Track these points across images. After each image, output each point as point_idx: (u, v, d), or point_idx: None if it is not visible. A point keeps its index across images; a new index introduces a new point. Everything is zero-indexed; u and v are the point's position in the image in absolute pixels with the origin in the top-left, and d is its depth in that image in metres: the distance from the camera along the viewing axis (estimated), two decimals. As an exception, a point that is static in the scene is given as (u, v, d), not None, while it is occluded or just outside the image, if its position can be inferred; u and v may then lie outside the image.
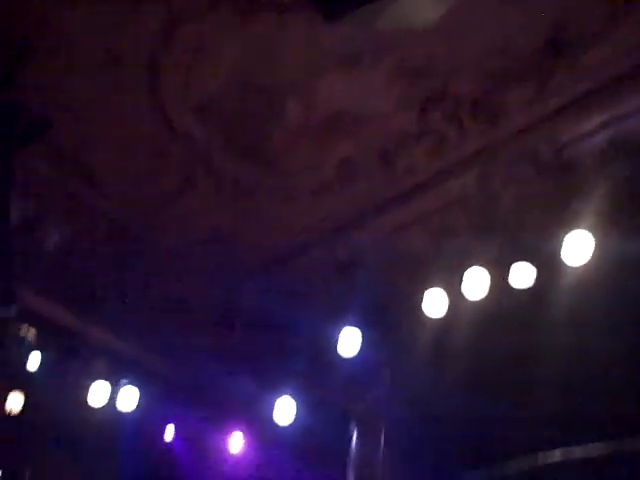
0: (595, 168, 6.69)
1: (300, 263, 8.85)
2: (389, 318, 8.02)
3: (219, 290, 9.63)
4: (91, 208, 9.20)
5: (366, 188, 8.17)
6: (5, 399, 9.71)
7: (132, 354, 9.69)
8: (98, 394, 9.16)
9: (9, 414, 9.73)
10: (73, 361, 9.33)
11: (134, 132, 8.21)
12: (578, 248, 6.62)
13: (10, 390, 9.77)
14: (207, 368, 9.41)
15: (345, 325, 7.90)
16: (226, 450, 9.52)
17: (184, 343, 9.45)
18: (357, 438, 8.26)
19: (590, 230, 6.56)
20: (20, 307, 9.20)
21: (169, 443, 9.77)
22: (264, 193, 8.41)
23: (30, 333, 9.32)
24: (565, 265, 6.64)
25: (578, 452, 6.16)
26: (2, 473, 9.18)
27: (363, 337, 7.83)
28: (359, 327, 7.89)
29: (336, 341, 7.90)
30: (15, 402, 9.79)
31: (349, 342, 7.86)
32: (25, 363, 9.13)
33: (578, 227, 6.60)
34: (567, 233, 6.65)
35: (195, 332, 9.52)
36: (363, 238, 8.28)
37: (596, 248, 6.54)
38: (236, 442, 9.45)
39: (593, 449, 6.06)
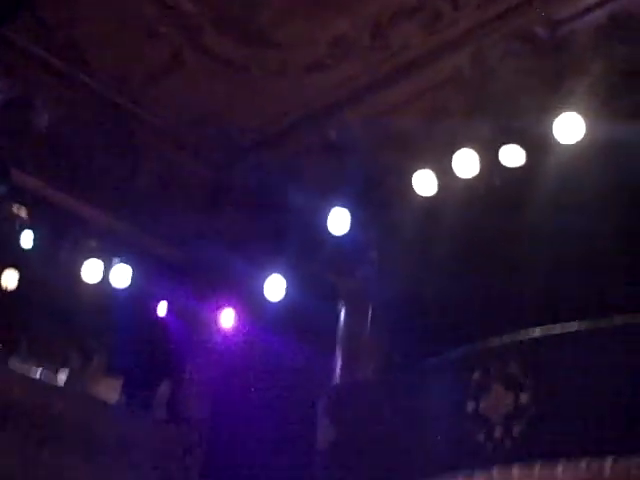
0: (591, 46, 6.58)
1: (291, 143, 8.82)
2: (379, 198, 8.05)
3: (210, 169, 9.65)
4: (80, 86, 9.10)
5: (359, 66, 8.06)
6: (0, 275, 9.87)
7: (124, 232, 9.72)
8: (91, 271, 9.27)
9: (4, 290, 9.88)
10: (66, 239, 9.40)
11: (123, 6, 8.03)
12: (569, 129, 6.59)
13: (4, 267, 9.90)
14: (199, 246, 9.49)
15: (335, 205, 7.92)
16: (217, 325, 9.71)
17: (176, 222, 9.49)
18: (345, 314, 8.44)
19: (582, 111, 6.51)
20: (12, 186, 9.24)
21: (161, 318, 9.95)
22: (255, 69, 8.30)
23: (22, 212, 9.35)
24: (556, 146, 6.62)
25: (557, 329, 6.30)
26: (2, 346, 9.39)
27: (352, 217, 7.88)
28: (348, 207, 7.92)
29: (326, 220, 7.94)
30: (10, 278, 9.93)
31: (339, 222, 7.91)
32: (18, 241, 9.19)
33: (570, 109, 6.54)
34: (559, 115, 6.59)
35: (187, 211, 9.56)
36: (354, 117, 8.23)
37: (587, 129, 6.51)
38: (227, 317, 9.63)
39: (570, 326, 6.19)
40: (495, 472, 6.03)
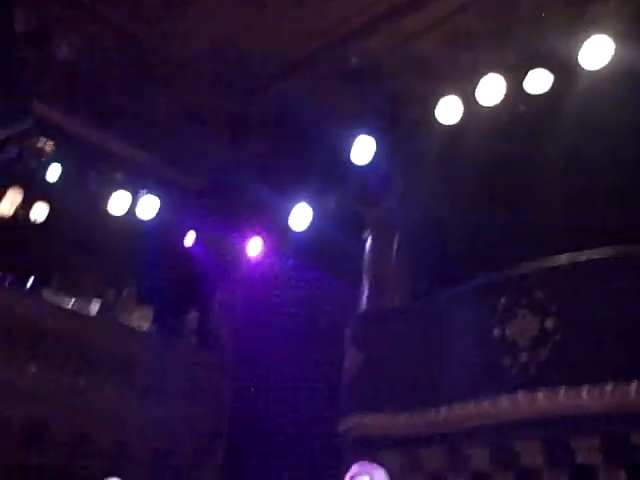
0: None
1: (313, 71, 8.74)
2: (402, 126, 8.02)
3: (232, 99, 9.59)
4: (99, 17, 9.03)
5: (379, -9, 7.93)
6: (29, 209, 10.00)
7: (150, 164, 9.79)
8: (118, 203, 9.37)
9: (34, 223, 10.03)
10: (92, 172, 9.47)
11: None
12: (596, 53, 6.48)
13: (32, 200, 10.02)
14: (224, 175, 9.53)
15: (359, 134, 7.89)
16: (244, 254, 9.82)
17: (201, 152, 9.51)
18: (371, 243, 8.50)
19: (609, 35, 6.39)
20: (37, 120, 9.25)
21: (189, 248, 10.07)
22: (275, -4, 8.20)
23: (48, 145, 9.41)
24: (582, 71, 6.53)
25: (583, 256, 6.33)
26: (33, 279, 9.57)
27: (377, 146, 7.85)
28: (373, 135, 7.89)
29: (350, 149, 7.92)
30: (39, 212, 10.07)
31: (363, 150, 7.89)
32: (45, 175, 9.28)
33: (597, 32, 6.42)
34: (586, 38, 6.48)
35: (211, 141, 9.55)
36: (376, 44, 8.12)
37: (614, 54, 6.40)
38: (254, 247, 9.73)
39: (597, 253, 6.22)
40: (520, 396, 6.19)
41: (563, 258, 6.36)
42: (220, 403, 10.19)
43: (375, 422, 7.46)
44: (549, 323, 6.22)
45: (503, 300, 6.58)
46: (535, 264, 6.55)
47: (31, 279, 9.47)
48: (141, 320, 10.06)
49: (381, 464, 3.83)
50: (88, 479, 9.06)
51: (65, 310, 9.48)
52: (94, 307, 9.74)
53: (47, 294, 9.50)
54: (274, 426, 9.44)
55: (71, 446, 9.15)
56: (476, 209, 7.65)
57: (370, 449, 7.04)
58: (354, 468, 3.78)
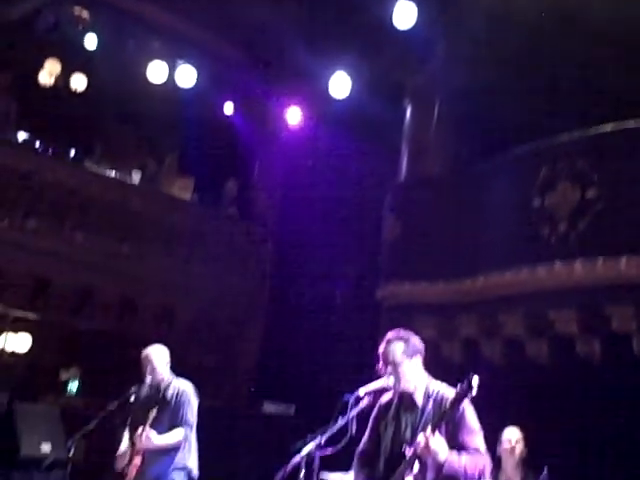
0: None
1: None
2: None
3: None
4: None
5: None
6: (68, 79, 9.98)
7: (188, 31, 9.60)
8: (156, 72, 9.30)
9: (74, 93, 10.02)
10: (129, 40, 9.35)
11: None
12: None
13: (71, 70, 9.98)
14: (264, 42, 9.31)
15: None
16: (283, 123, 9.76)
17: (240, 18, 9.23)
18: (411, 112, 8.32)
19: None
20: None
21: (228, 117, 10.02)
22: None
23: (85, 14, 9.28)
24: None
25: (628, 125, 6.13)
26: (76, 149, 9.62)
27: (419, 10, 7.56)
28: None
29: (392, 14, 7.65)
30: (78, 82, 10.04)
31: (405, 15, 7.61)
32: (83, 44, 9.19)
33: None
34: None
35: (249, 6, 9.23)
36: None
37: None
38: (293, 115, 9.64)
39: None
40: (558, 266, 6.17)
41: (606, 127, 6.18)
42: (261, 272, 10.37)
43: (412, 290, 7.53)
44: (590, 193, 6.11)
45: (544, 170, 6.47)
46: (577, 133, 6.37)
47: (73, 149, 9.56)
48: (182, 190, 10.15)
49: (416, 331, 3.90)
50: (133, 344, 9.42)
51: (108, 179, 9.56)
52: (135, 177, 9.83)
53: (89, 164, 9.58)
54: (314, 293, 9.61)
55: (117, 311, 9.44)
56: (520, 76, 7.39)
57: (406, 316, 7.14)
58: (390, 334, 3.85)
